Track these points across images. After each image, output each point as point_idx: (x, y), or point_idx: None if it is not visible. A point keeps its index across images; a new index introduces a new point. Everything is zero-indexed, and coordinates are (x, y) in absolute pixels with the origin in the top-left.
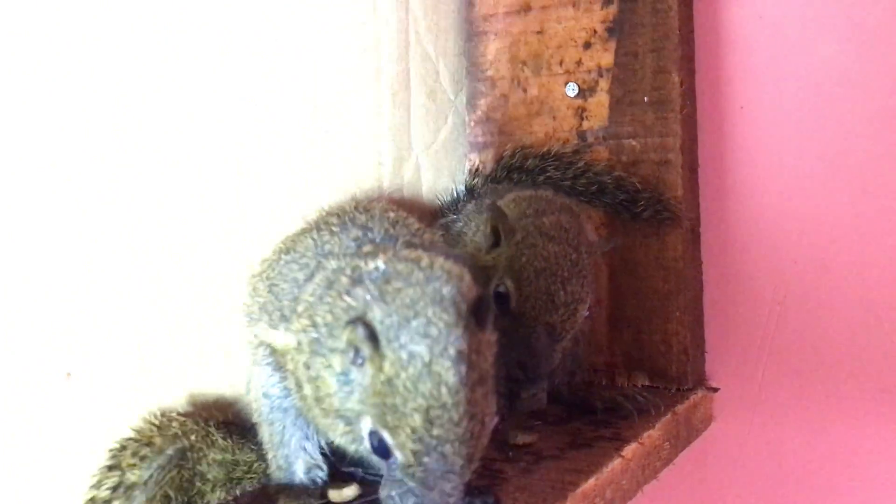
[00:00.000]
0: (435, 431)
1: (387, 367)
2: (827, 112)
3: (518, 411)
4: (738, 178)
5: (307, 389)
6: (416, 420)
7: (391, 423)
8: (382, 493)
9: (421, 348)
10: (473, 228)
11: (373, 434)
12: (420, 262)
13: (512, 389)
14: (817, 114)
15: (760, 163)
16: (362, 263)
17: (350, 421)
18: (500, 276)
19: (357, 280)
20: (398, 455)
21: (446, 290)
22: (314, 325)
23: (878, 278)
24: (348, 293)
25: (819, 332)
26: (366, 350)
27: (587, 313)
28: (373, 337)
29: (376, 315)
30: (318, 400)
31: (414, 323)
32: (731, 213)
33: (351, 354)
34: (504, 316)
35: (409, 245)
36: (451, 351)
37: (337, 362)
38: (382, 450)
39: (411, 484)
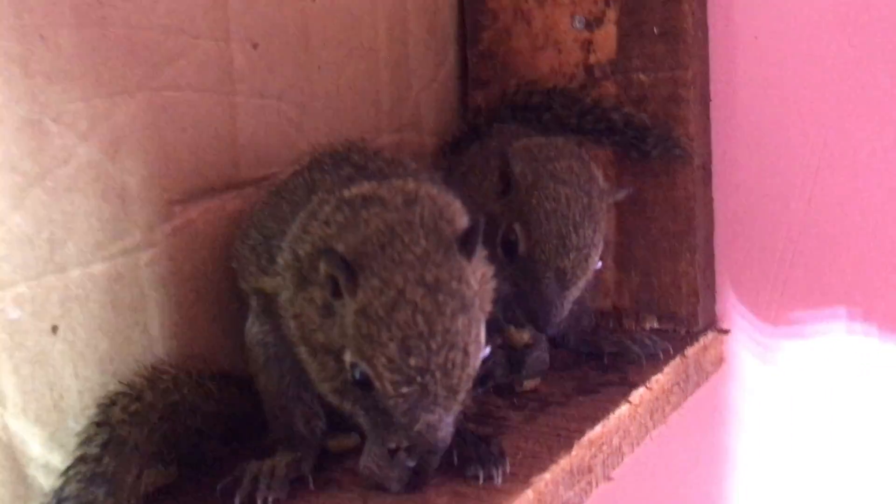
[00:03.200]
0: (412, 361)
1: (360, 295)
2: (844, 41)
3: (523, 377)
4: (751, 112)
5: (293, 327)
6: (392, 350)
7: (368, 354)
8: (361, 462)
9: (394, 276)
10: (479, 176)
11: (354, 366)
12: (404, 188)
13: (514, 357)
14: (834, 44)
15: (775, 96)
16: (346, 192)
17: (336, 355)
18: (509, 222)
19: (337, 208)
20: (377, 386)
21: (427, 215)
22: (297, 258)
23: (894, 215)
24: (326, 222)
25: (833, 270)
26: (341, 278)
27: (599, 264)
28: (346, 265)
29: (350, 241)
30: (305, 338)
31: (388, 249)
32: (744, 149)
33: (330, 286)
34: (513, 263)
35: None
36: (428, 278)
37: (318, 295)
38: (364, 382)
39: (397, 417)
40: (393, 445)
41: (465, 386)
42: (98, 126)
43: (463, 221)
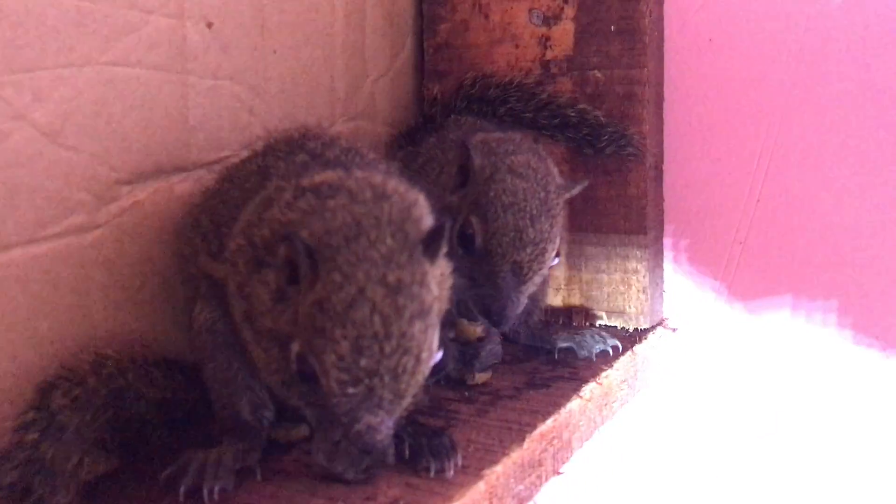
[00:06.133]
0: (363, 362)
1: (319, 286)
2: (798, 44)
3: (476, 370)
4: (703, 112)
5: (240, 308)
6: (344, 348)
7: (318, 348)
8: (313, 455)
9: (357, 272)
10: (437, 168)
11: (300, 358)
12: (372, 181)
13: (467, 350)
14: (788, 46)
15: (727, 97)
16: (306, 181)
17: (283, 345)
18: (466, 215)
19: (299, 194)
20: (323, 382)
21: (395, 213)
22: (251, 244)
23: (840, 214)
24: (289, 207)
25: (780, 272)
26: (302, 265)
27: (556, 260)
28: (309, 252)
29: (315, 229)
30: (251, 320)
31: (353, 244)
32: (695, 149)
33: (287, 272)
34: (469, 256)
35: (364, 168)
36: (391, 279)
37: (272, 279)
38: (308, 375)
39: (338, 414)
40: (338, 439)
41: (413, 391)
42: (42, 99)
43: (428, 221)
